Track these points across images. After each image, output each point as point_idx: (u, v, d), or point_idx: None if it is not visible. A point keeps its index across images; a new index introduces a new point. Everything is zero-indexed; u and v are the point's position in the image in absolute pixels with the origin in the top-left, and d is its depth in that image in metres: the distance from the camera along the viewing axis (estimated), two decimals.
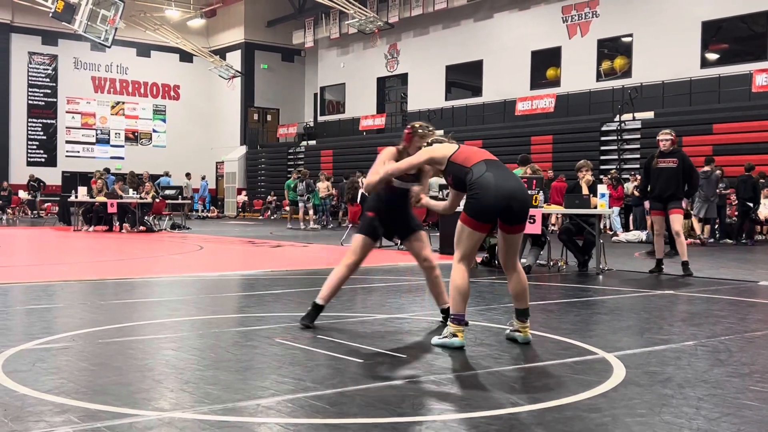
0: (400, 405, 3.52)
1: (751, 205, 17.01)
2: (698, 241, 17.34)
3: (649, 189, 9.99)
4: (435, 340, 4.96)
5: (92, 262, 11.74)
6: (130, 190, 19.99)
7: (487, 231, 4.96)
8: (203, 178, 33.40)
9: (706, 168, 16.36)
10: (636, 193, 20.03)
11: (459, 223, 4.94)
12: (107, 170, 25.86)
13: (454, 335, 4.82)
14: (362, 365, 4.31)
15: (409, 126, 5.59)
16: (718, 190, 16.96)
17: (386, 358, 4.52)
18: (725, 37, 23.37)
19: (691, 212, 16.76)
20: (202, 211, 32.83)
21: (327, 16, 34.05)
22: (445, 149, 5.08)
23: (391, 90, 34.37)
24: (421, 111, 29.95)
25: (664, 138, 9.80)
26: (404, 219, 5.63)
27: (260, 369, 4.24)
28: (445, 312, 5.47)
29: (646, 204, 11.19)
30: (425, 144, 5.27)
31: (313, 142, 35.22)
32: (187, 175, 31.73)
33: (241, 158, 37.90)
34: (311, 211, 22.98)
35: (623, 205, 20.02)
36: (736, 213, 18.18)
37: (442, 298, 5.66)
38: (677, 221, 9.68)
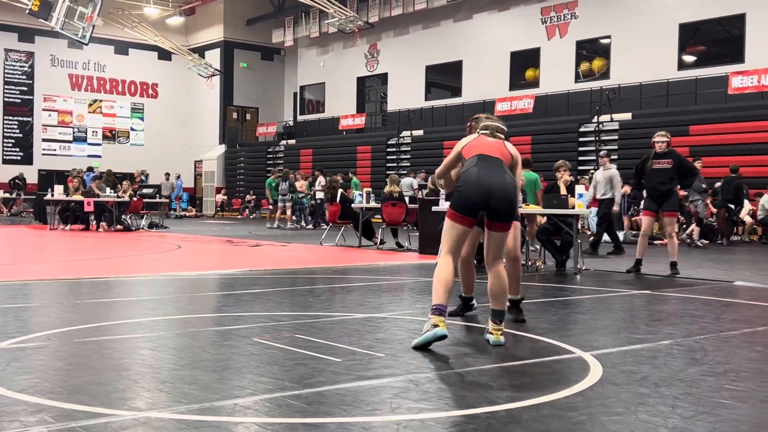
0: (378, 404, 3.52)
1: (733, 207, 17.08)
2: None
3: (645, 190, 10.09)
4: (415, 341, 4.77)
5: (68, 261, 11.64)
6: (107, 189, 19.82)
7: (470, 225, 4.95)
8: (178, 177, 33.02)
9: None
10: None
11: (446, 217, 5.02)
12: (90, 169, 25.56)
13: (436, 325, 4.67)
14: (340, 364, 4.31)
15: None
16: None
17: (364, 358, 4.52)
18: (702, 40, 23.60)
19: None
20: (180, 210, 32.51)
21: (307, 15, 33.99)
22: (461, 142, 5.25)
23: (371, 90, 34.37)
24: (401, 111, 29.98)
25: (660, 140, 9.84)
26: None
27: (238, 368, 4.22)
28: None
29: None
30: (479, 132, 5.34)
31: (292, 142, 35.14)
32: (166, 175, 31.51)
33: (220, 157, 37.74)
34: (289, 211, 22.94)
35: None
36: (712, 214, 18.35)
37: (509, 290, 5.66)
38: (671, 224, 9.82)
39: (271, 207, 24.43)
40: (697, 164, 16.62)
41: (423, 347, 4.72)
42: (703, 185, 17.30)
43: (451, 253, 4.90)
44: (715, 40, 23.45)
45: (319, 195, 22.80)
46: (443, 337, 4.68)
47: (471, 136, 5.33)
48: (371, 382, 3.93)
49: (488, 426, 3.20)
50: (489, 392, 3.77)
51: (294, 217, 22.98)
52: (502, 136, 5.29)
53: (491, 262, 5.06)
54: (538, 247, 11.08)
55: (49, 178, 33.33)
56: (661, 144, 9.82)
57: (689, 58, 23.43)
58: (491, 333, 4.96)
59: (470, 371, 4.24)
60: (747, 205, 18.15)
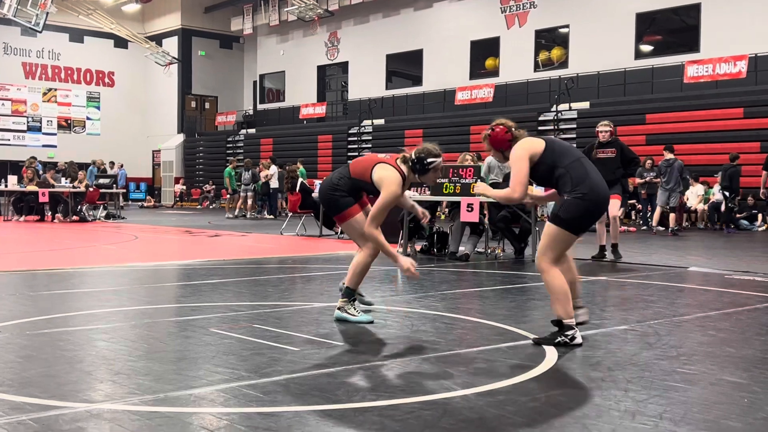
0: (334, 392, 3.52)
1: (727, 194, 17.16)
2: (633, 229, 17.68)
3: None
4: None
5: (23, 252, 11.42)
6: (63, 179, 19.48)
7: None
8: (121, 166, 32.13)
9: (669, 156, 16.37)
10: None
11: None
12: (34, 158, 24.94)
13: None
14: (297, 353, 4.29)
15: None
16: (650, 177, 17.31)
17: (322, 346, 4.51)
18: (659, 29, 23.90)
19: (657, 205, 16.70)
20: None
21: (266, 3, 33.67)
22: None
23: (331, 78, 34.21)
24: (362, 100, 29.91)
25: (604, 129, 9.98)
26: None
27: (194, 359, 4.19)
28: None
29: None
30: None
31: (252, 131, 34.86)
32: (111, 164, 30.96)
33: (179, 146, 37.28)
34: (250, 201, 22.82)
35: None
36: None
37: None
38: (614, 206, 9.93)
39: (229, 196, 24.22)
40: (673, 154, 16.55)
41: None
42: (686, 176, 17.41)
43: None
44: (671, 29, 23.77)
45: (273, 184, 22.72)
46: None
47: None
48: (328, 371, 3.93)
49: (444, 412, 3.21)
50: (445, 378, 3.79)
51: (255, 206, 22.84)
52: (400, 160, 5.36)
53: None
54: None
55: (2, 168, 32.63)
56: (605, 134, 9.97)
57: (646, 48, 23.72)
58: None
59: (427, 358, 4.25)
60: (700, 191, 18.40)
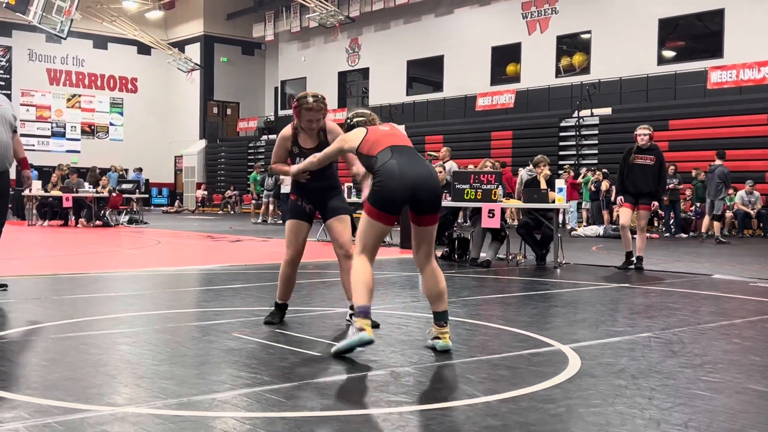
0: (356, 398, 3.52)
1: None
2: (656, 236, 17.54)
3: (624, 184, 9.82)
4: (338, 347, 4.35)
5: (46, 256, 11.53)
6: (86, 184, 19.67)
7: (393, 223, 4.57)
8: (135, 170, 32.07)
9: (718, 162, 16.09)
10: (593, 188, 20.27)
11: (363, 213, 4.55)
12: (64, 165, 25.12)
13: (361, 329, 4.24)
14: (320, 359, 4.30)
15: (295, 100, 5.37)
16: (674, 183, 17.18)
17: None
18: (681, 35, 23.76)
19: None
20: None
21: (287, 10, 33.88)
22: (353, 139, 4.76)
23: (352, 84, 34.32)
24: (383, 105, 29.96)
25: (643, 133, 9.50)
26: (324, 199, 5.63)
27: (216, 363, 4.20)
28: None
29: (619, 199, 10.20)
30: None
31: (273, 137, 35.00)
32: (126, 171, 31.05)
33: (201, 152, 37.54)
34: (272, 206, 22.92)
35: (581, 199, 20.27)
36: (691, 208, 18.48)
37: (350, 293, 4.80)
38: (645, 218, 9.71)
39: (254, 202, 24.29)
40: (722, 161, 16.17)
41: (346, 352, 4.35)
42: (727, 182, 17.16)
43: (367, 252, 4.48)
44: (694, 35, 23.63)
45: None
46: (370, 342, 4.28)
47: (353, 134, 4.81)
48: (350, 376, 3.93)
49: (466, 418, 3.20)
50: (468, 385, 3.78)
51: (278, 212, 22.94)
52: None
53: (424, 260, 4.59)
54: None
55: None
56: (643, 137, 9.56)
57: (669, 53, 23.59)
58: (438, 338, 4.55)
59: (449, 364, 4.24)
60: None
